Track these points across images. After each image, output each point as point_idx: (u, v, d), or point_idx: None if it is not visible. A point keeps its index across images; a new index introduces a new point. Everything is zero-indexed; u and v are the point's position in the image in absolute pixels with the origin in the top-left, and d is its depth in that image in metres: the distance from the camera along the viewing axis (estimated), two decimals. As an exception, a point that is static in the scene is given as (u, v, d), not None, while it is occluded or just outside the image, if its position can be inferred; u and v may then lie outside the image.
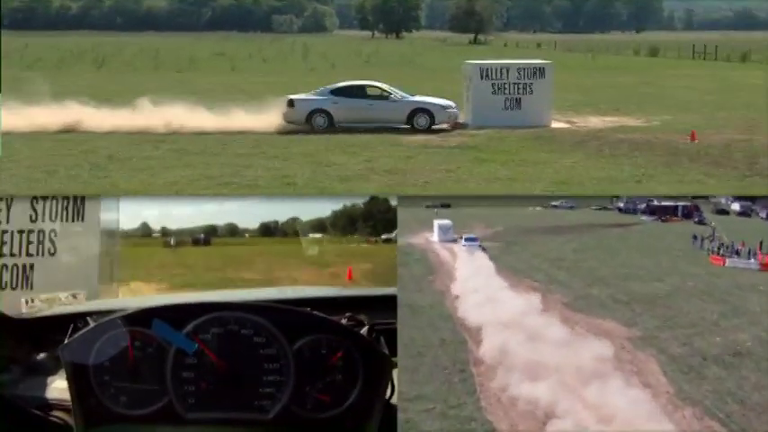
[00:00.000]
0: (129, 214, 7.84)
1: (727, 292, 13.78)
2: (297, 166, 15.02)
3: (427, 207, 24.40)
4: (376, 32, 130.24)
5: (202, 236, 10.87)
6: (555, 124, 20.55)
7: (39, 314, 5.00)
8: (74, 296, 5.29)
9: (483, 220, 23.74)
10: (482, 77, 20.61)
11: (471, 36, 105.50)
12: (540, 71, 20.72)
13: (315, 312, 4.45)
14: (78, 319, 4.60)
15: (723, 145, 17.51)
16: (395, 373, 4.46)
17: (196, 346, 4.24)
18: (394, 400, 4.45)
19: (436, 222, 21.56)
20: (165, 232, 9.45)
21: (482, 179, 13.84)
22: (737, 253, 17.45)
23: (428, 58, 57.69)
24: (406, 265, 16.00)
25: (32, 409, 4.28)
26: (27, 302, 5.15)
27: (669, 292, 13.88)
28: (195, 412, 4.25)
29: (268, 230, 7.55)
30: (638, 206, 28.25)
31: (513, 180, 13.77)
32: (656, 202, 26.76)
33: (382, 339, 4.61)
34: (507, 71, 20.65)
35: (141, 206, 9.66)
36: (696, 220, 24.75)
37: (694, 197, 22.52)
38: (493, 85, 20.54)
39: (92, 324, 4.39)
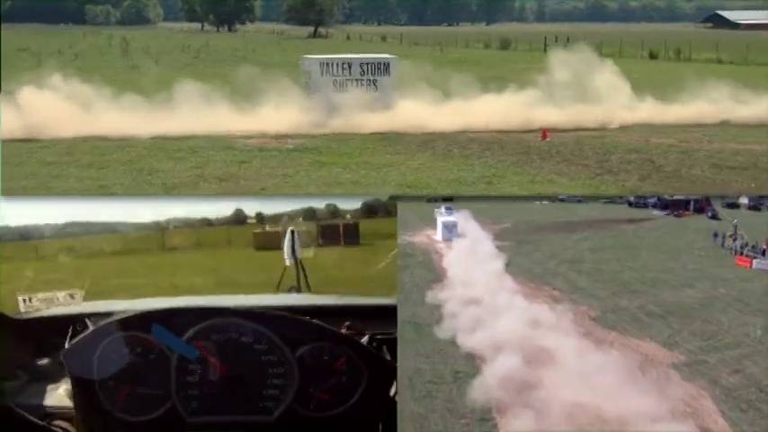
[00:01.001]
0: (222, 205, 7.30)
1: (761, 301, 13.73)
2: (115, 174, 14.66)
3: (428, 201, 24.21)
4: (206, 25, 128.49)
5: (341, 222, 7.37)
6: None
7: (37, 314, 5.40)
8: (71, 296, 5.58)
9: (489, 215, 23.46)
10: (323, 73, 20.75)
11: (311, 29, 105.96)
12: (384, 66, 21.11)
13: (314, 321, 4.81)
14: (77, 321, 4.98)
15: (574, 142, 18.43)
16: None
17: (198, 352, 4.60)
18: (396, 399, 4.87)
19: (440, 219, 21.22)
20: (260, 218, 8.01)
21: (322, 183, 13.97)
22: (762, 253, 17.67)
23: (264, 53, 57.46)
24: (408, 268, 15.50)
25: (35, 418, 4.53)
26: (25, 301, 5.43)
27: (702, 301, 13.76)
28: (198, 416, 4.59)
29: (371, 210, 7.04)
30: (649, 200, 28.70)
31: (357, 184, 13.97)
32: (667, 196, 27.22)
33: (384, 348, 5.02)
34: (350, 66, 20.90)
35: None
36: (709, 214, 25.31)
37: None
38: (334, 81, 20.74)
39: (91, 327, 4.73)
